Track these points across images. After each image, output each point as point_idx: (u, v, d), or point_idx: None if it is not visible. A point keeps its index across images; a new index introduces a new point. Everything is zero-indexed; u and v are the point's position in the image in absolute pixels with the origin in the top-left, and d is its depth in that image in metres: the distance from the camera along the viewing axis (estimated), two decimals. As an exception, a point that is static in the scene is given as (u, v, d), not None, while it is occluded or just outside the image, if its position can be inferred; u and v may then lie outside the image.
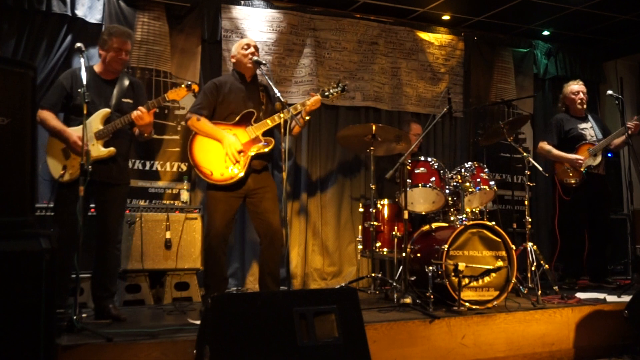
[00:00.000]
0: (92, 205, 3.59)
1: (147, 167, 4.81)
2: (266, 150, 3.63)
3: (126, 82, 3.52)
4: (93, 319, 3.33)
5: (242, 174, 3.56)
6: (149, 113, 3.38)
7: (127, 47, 3.47)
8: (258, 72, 3.78)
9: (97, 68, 3.52)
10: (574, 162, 4.86)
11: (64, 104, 3.42)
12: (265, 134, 3.65)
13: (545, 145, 5.04)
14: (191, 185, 4.87)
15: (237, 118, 3.64)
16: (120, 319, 3.27)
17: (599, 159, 4.87)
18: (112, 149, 3.35)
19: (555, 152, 4.96)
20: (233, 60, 3.80)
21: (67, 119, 3.43)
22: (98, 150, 3.34)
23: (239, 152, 3.56)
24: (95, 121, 3.35)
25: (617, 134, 4.81)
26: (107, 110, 3.38)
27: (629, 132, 4.67)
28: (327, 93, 3.82)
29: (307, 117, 3.75)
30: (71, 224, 3.16)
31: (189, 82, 3.50)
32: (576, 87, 5.06)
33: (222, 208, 3.59)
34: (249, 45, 3.73)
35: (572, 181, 4.89)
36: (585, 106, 5.07)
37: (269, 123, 3.62)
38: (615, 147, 5.00)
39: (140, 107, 3.36)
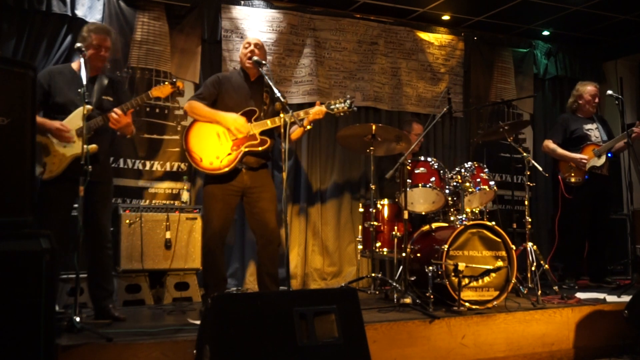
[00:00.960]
0: (75, 205, 3.56)
1: (147, 167, 4.81)
2: (260, 149, 3.61)
3: (105, 80, 3.47)
4: (93, 319, 3.33)
5: (231, 166, 3.54)
6: (125, 115, 3.33)
7: (107, 44, 3.42)
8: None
9: (75, 66, 3.46)
10: (578, 161, 4.88)
11: (42, 102, 3.38)
12: (263, 134, 3.64)
13: (550, 144, 5.06)
14: (191, 185, 4.87)
15: (239, 113, 3.63)
16: (120, 319, 3.27)
17: (603, 159, 4.88)
18: (94, 145, 3.28)
19: (560, 150, 4.98)
20: (238, 58, 3.82)
21: (48, 117, 3.38)
22: (79, 147, 3.26)
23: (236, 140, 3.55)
24: (76, 118, 3.29)
25: (623, 137, 4.81)
26: (88, 107, 3.27)
27: (632, 135, 4.68)
28: (332, 106, 3.73)
29: (309, 127, 3.69)
30: (57, 224, 3.14)
31: (174, 80, 3.48)
32: (594, 91, 5.08)
33: (219, 206, 3.58)
34: (249, 44, 3.71)
35: (576, 180, 4.91)
36: (595, 110, 5.11)
37: (268, 124, 3.60)
38: (617, 149, 5.00)
39: (115, 110, 3.30)
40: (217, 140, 3.57)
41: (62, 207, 3.32)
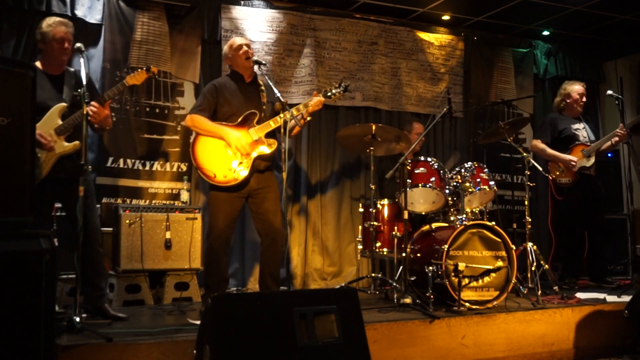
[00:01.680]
0: (57, 205, 3.53)
1: (147, 167, 4.81)
2: (269, 152, 3.63)
3: (74, 77, 3.42)
4: (89, 319, 3.31)
5: (245, 175, 3.56)
6: (104, 107, 3.30)
7: (69, 37, 3.36)
8: (258, 72, 3.77)
9: (39, 64, 3.41)
10: (567, 163, 4.86)
11: None
12: (267, 135, 3.64)
13: (539, 144, 5.04)
14: (191, 186, 4.87)
15: (240, 119, 3.62)
16: (121, 318, 3.25)
17: (592, 160, 4.87)
18: (77, 142, 3.24)
19: (550, 151, 4.96)
20: (228, 62, 3.80)
21: None
22: (62, 146, 3.25)
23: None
24: (53, 117, 3.25)
25: (610, 137, 4.80)
26: (63, 104, 3.28)
27: (616, 138, 4.68)
28: (329, 93, 3.80)
29: (309, 118, 3.73)
30: (43, 225, 3.11)
31: (149, 65, 3.45)
32: (581, 90, 5.06)
33: (225, 209, 3.58)
34: (241, 46, 3.70)
35: (565, 181, 4.90)
36: (582, 109, 5.09)
37: (271, 125, 3.61)
38: (606, 149, 4.99)
39: (93, 103, 3.26)
40: (225, 152, 3.57)
41: (46, 208, 3.29)
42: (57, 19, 3.44)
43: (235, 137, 3.56)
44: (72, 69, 3.49)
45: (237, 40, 3.78)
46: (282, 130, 3.37)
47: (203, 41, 5.06)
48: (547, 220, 6.08)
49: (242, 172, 3.56)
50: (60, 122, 3.26)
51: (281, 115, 3.55)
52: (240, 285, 4.94)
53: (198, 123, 3.60)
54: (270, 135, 3.66)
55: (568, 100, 5.08)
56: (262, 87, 3.79)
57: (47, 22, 3.40)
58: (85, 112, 3.00)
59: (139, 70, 3.44)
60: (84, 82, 3.05)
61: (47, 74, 3.38)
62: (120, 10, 4.77)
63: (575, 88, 5.07)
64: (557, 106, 5.19)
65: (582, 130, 5.02)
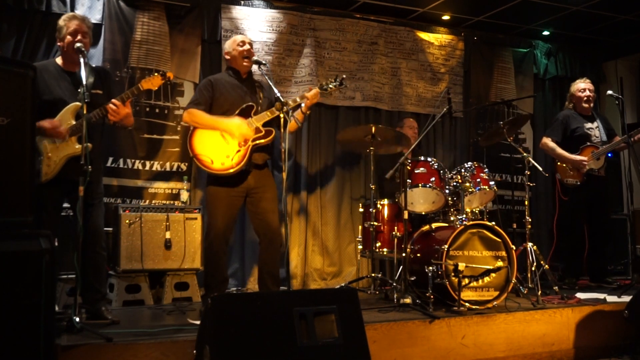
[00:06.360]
0: (65, 206, 3.51)
1: (147, 167, 4.81)
2: (267, 139, 3.59)
3: (92, 74, 3.35)
4: (87, 319, 3.30)
5: (242, 164, 3.53)
6: (124, 105, 3.25)
7: (84, 29, 3.31)
8: (258, 71, 3.77)
9: (59, 61, 3.38)
10: (578, 164, 4.84)
11: None
12: (266, 125, 3.62)
13: (549, 142, 5.01)
14: (191, 185, 4.87)
15: (237, 111, 3.61)
16: (114, 321, 3.21)
17: (601, 161, 4.87)
18: (88, 144, 3.12)
19: (560, 151, 4.94)
20: (227, 57, 3.78)
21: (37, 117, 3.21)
22: (72, 147, 3.20)
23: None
24: (66, 116, 3.21)
25: (621, 141, 4.78)
26: (77, 104, 3.21)
27: (631, 140, 4.66)
28: (325, 87, 3.81)
29: (308, 112, 3.74)
30: (49, 227, 3.09)
31: (164, 71, 3.41)
32: (583, 85, 5.06)
33: (224, 207, 3.57)
34: (244, 42, 3.71)
35: (572, 182, 4.89)
36: (592, 104, 5.06)
37: (268, 115, 3.59)
38: (616, 149, 4.99)
39: (113, 100, 3.22)
40: (222, 140, 3.56)
41: (53, 209, 3.28)
42: (72, 13, 3.41)
43: (236, 125, 3.54)
44: (92, 65, 3.43)
45: (239, 36, 3.81)
46: (281, 129, 3.37)
47: (203, 41, 5.07)
48: (547, 220, 6.10)
49: (240, 160, 3.53)
50: (73, 121, 3.22)
51: (279, 109, 3.53)
52: (240, 285, 4.94)
53: (196, 117, 3.58)
54: (268, 125, 3.64)
55: (573, 100, 5.10)
56: (258, 83, 3.80)
57: (63, 17, 3.37)
58: (85, 113, 2.98)
59: (155, 74, 3.40)
60: (84, 82, 3.02)
61: (64, 71, 3.34)
62: (120, 10, 4.77)
63: (577, 86, 5.08)
64: (566, 107, 5.19)
65: (594, 129, 4.99)
